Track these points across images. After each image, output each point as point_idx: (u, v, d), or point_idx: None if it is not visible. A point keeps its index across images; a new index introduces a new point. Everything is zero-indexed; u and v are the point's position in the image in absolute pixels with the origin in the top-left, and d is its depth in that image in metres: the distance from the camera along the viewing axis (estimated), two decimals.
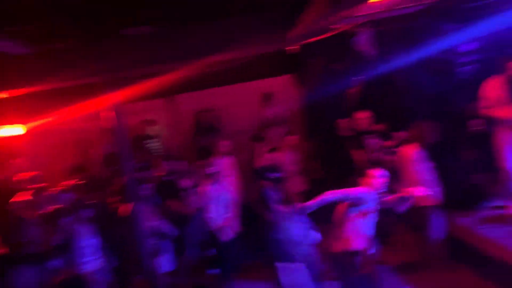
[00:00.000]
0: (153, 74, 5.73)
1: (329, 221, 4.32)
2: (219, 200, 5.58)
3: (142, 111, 7.61)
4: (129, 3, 4.54)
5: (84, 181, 5.89)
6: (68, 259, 4.82)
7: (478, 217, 5.40)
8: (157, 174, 6.07)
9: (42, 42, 5.40)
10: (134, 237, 5.13)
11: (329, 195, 4.03)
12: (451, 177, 6.19)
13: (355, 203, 4.07)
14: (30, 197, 5.04)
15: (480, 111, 5.23)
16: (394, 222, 6.33)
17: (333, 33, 5.98)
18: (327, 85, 7.14)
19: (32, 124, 6.50)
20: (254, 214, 5.01)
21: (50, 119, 6.43)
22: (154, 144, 7.67)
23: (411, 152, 4.94)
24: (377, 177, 4.23)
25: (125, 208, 5.22)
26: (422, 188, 4.78)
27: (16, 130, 6.45)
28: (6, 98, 5.93)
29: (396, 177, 5.16)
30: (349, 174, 6.51)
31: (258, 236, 4.80)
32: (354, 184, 4.34)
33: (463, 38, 7.30)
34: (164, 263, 5.39)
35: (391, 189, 5.65)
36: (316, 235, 4.51)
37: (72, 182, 5.80)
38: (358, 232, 4.10)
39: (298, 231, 4.38)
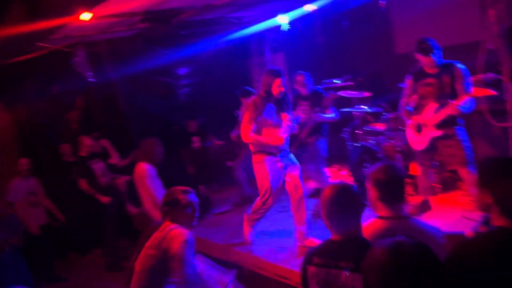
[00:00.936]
0: None
1: None
2: None
3: None
4: None
5: None
6: None
7: (205, 225, 5.83)
8: None
9: None
10: None
11: None
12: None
13: None
14: None
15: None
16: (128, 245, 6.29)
17: (43, 52, 5.52)
18: (44, 108, 6.54)
19: None
20: None
21: None
22: None
23: (143, 170, 4.95)
24: None
25: None
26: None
27: None
28: None
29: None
30: (76, 201, 6.13)
31: None
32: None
33: (179, 63, 7.91)
34: None
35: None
36: None
37: None
38: None
39: None
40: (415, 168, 5.66)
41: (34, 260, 5.33)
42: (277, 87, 4.20)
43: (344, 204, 2.19)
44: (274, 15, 6.93)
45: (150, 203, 4.99)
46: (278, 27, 7.11)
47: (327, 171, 5.70)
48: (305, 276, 2.28)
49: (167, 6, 5.36)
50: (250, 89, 6.37)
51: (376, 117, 6.23)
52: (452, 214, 4.60)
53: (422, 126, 4.39)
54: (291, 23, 6.99)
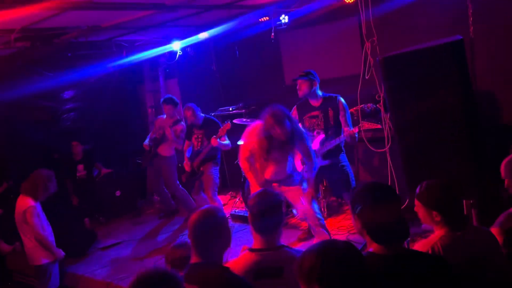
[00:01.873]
0: None
1: None
2: None
3: None
4: None
5: None
6: None
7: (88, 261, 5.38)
8: None
9: None
10: None
11: None
12: (64, 225, 6.00)
13: None
14: None
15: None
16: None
17: None
18: None
19: None
20: None
21: None
22: None
23: (28, 208, 4.36)
24: None
25: None
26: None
27: None
28: None
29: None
30: None
31: None
32: None
33: (64, 86, 7.39)
34: None
35: None
36: None
37: None
38: None
39: None
40: None
41: None
42: None
43: (208, 229, 2.16)
44: (167, 40, 6.84)
45: (32, 243, 4.45)
46: (171, 53, 7.03)
47: (220, 198, 5.66)
48: None
49: (48, 24, 4.98)
50: (175, 99, 6.26)
51: None
52: (338, 237, 4.79)
53: None
54: (185, 49, 6.96)
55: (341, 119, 4.43)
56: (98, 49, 6.60)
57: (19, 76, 6.77)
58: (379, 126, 4.28)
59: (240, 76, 7.43)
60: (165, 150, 6.22)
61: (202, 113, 5.71)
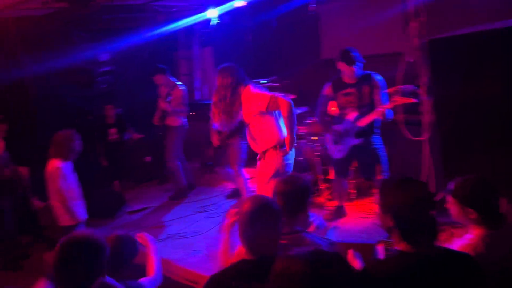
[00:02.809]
0: None
1: None
2: None
3: None
4: None
5: None
6: None
7: (115, 224, 5.50)
8: None
9: None
10: None
11: None
12: (94, 187, 6.14)
13: None
14: None
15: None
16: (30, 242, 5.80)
17: None
18: None
19: None
20: None
21: None
22: None
23: (55, 169, 4.43)
24: None
25: None
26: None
27: None
28: None
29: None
30: None
31: None
32: None
33: (100, 48, 7.41)
34: None
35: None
36: None
37: None
38: None
39: None
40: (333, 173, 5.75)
41: None
42: None
43: (263, 222, 2.02)
44: (204, 7, 6.70)
45: (58, 204, 4.56)
46: (207, 20, 6.90)
47: (246, 172, 5.60)
48: None
49: None
50: (160, 66, 6.09)
51: (298, 120, 6.23)
52: (365, 221, 4.70)
53: (342, 135, 4.41)
54: (221, 17, 6.81)
55: (375, 97, 4.23)
56: (133, 13, 6.55)
57: (56, 36, 6.83)
58: (414, 101, 4.08)
59: (275, 48, 7.26)
60: (172, 120, 6.11)
61: None
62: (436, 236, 1.93)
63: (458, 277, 1.85)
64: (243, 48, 7.69)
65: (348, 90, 4.35)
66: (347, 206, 4.96)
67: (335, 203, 4.96)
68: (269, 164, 3.98)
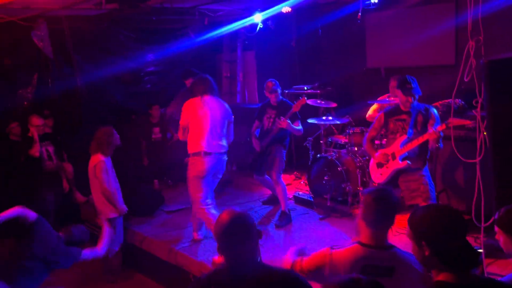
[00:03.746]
0: None
1: None
2: None
3: None
4: None
5: None
6: None
7: (154, 222, 5.60)
8: None
9: None
10: None
11: None
12: (134, 184, 6.29)
13: None
14: None
15: None
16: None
17: None
18: None
19: None
20: None
21: None
22: None
23: (98, 162, 4.62)
24: None
25: None
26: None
27: None
28: None
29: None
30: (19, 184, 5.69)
31: None
32: None
33: (146, 48, 7.59)
34: None
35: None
36: None
37: None
38: None
39: None
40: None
41: None
42: None
43: (237, 234, 2.03)
44: (248, 12, 6.74)
45: (100, 196, 4.71)
46: (252, 25, 6.93)
47: (283, 178, 5.57)
48: None
49: None
50: (194, 70, 6.13)
51: (340, 129, 6.17)
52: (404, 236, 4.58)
53: (387, 159, 4.30)
54: (266, 22, 6.83)
55: (429, 127, 4.12)
56: (181, 15, 6.66)
57: (106, 36, 7.05)
58: (469, 122, 3.94)
59: (319, 55, 7.21)
60: None
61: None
62: (477, 265, 1.88)
63: None
64: (286, 54, 7.68)
65: (402, 116, 4.25)
66: None
67: None
68: None
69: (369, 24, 6.44)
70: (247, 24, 6.94)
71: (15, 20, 5.51)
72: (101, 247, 3.73)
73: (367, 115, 5.68)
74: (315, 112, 6.40)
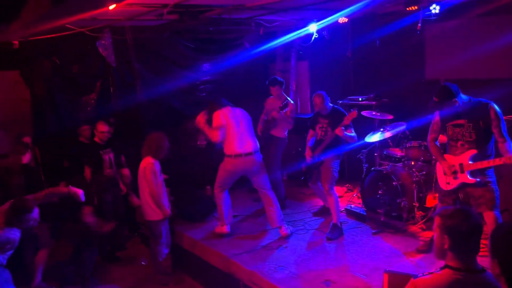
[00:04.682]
0: None
1: None
2: None
3: None
4: None
5: None
6: None
7: (206, 228, 5.70)
8: None
9: None
10: None
11: None
12: (188, 190, 6.45)
13: None
14: None
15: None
16: (126, 235, 6.21)
17: (67, 33, 5.44)
18: (60, 88, 6.48)
19: None
20: None
21: None
22: None
23: (147, 164, 4.83)
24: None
25: None
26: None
27: None
28: None
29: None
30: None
31: None
32: None
33: (204, 58, 7.80)
34: None
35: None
36: None
37: None
38: None
39: None
40: (431, 201, 5.45)
41: None
42: None
43: None
44: (304, 22, 6.76)
45: (148, 198, 4.88)
46: (306, 35, 6.94)
47: (336, 190, 5.50)
48: None
49: (198, 1, 5.24)
50: (279, 78, 6.24)
51: (396, 142, 6.02)
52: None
53: (454, 170, 4.04)
54: (321, 32, 6.82)
55: (494, 130, 3.83)
56: (237, 25, 6.79)
57: (166, 45, 7.33)
58: None
59: (376, 65, 7.08)
60: (278, 132, 6.21)
61: (330, 100, 5.55)
62: None
63: None
64: (340, 64, 7.61)
65: (459, 121, 3.98)
66: None
67: (430, 233, 4.69)
68: None
69: (429, 34, 6.27)
70: (302, 34, 6.95)
71: (84, 31, 5.84)
72: None
73: None
74: (370, 124, 6.31)
